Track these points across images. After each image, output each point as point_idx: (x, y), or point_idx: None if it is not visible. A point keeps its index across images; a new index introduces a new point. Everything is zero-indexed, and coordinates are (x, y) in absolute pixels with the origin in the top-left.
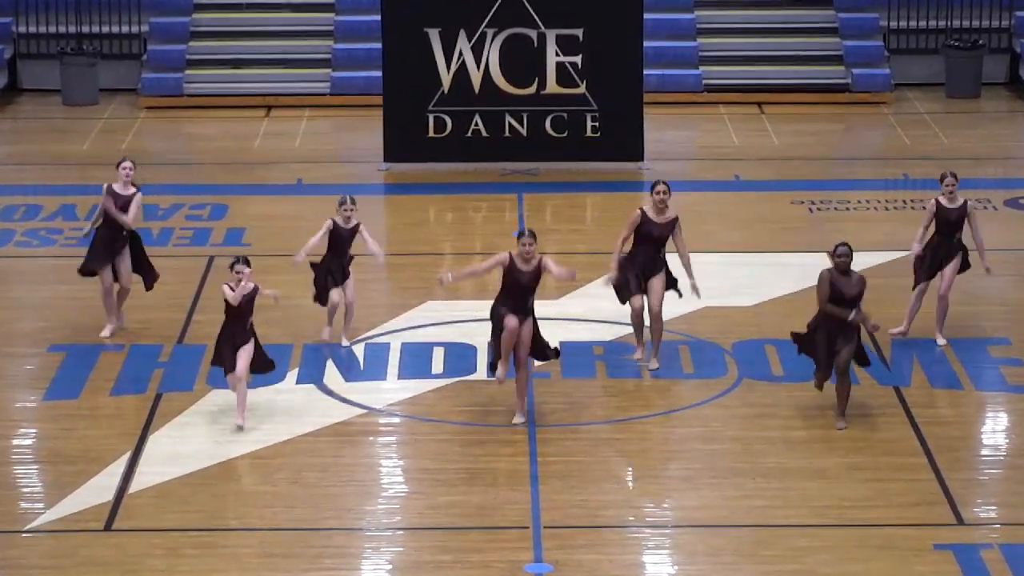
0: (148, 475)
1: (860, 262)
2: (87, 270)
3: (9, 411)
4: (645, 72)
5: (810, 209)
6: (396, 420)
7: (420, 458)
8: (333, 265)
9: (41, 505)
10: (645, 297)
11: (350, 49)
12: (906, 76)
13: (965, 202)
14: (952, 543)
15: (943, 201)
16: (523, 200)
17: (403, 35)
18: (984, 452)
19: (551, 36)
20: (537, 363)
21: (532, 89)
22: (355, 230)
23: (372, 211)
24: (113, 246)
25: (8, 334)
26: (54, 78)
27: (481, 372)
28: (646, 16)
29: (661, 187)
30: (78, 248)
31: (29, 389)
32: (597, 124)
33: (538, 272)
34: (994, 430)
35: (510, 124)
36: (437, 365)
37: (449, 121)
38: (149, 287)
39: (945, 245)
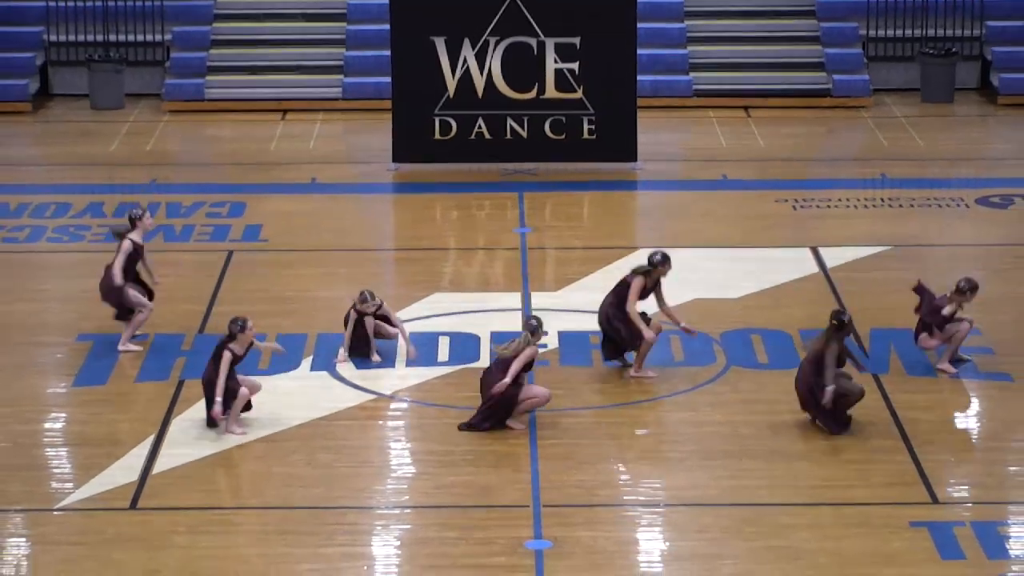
0: (171, 456)
1: (840, 256)
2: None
3: (40, 397)
4: (639, 78)
5: (793, 207)
6: (404, 405)
7: (427, 441)
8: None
9: (71, 485)
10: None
11: (361, 56)
12: (884, 82)
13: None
14: (927, 520)
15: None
16: (524, 198)
17: (411, 43)
18: (957, 436)
19: (550, 44)
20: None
21: (532, 94)
22: (379, 312)
23: (381, 209)
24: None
25: (39, 324)
26: (83, 84)
27: (484, 360)
28: (640, 25)
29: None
30: (106, 244)
31: (59, 376)
32: (593, 127)
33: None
34: (967, 415)
35: (511, 127)
36: (443, 353)
37: (454, 124)
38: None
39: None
